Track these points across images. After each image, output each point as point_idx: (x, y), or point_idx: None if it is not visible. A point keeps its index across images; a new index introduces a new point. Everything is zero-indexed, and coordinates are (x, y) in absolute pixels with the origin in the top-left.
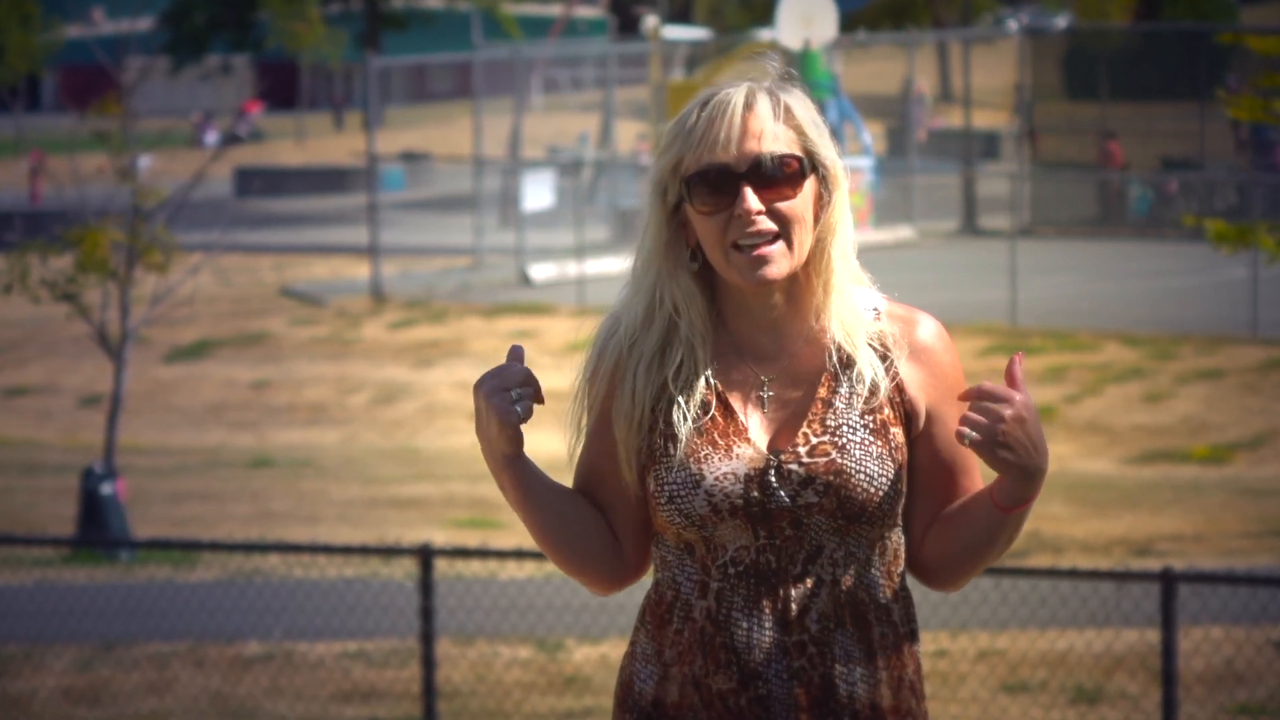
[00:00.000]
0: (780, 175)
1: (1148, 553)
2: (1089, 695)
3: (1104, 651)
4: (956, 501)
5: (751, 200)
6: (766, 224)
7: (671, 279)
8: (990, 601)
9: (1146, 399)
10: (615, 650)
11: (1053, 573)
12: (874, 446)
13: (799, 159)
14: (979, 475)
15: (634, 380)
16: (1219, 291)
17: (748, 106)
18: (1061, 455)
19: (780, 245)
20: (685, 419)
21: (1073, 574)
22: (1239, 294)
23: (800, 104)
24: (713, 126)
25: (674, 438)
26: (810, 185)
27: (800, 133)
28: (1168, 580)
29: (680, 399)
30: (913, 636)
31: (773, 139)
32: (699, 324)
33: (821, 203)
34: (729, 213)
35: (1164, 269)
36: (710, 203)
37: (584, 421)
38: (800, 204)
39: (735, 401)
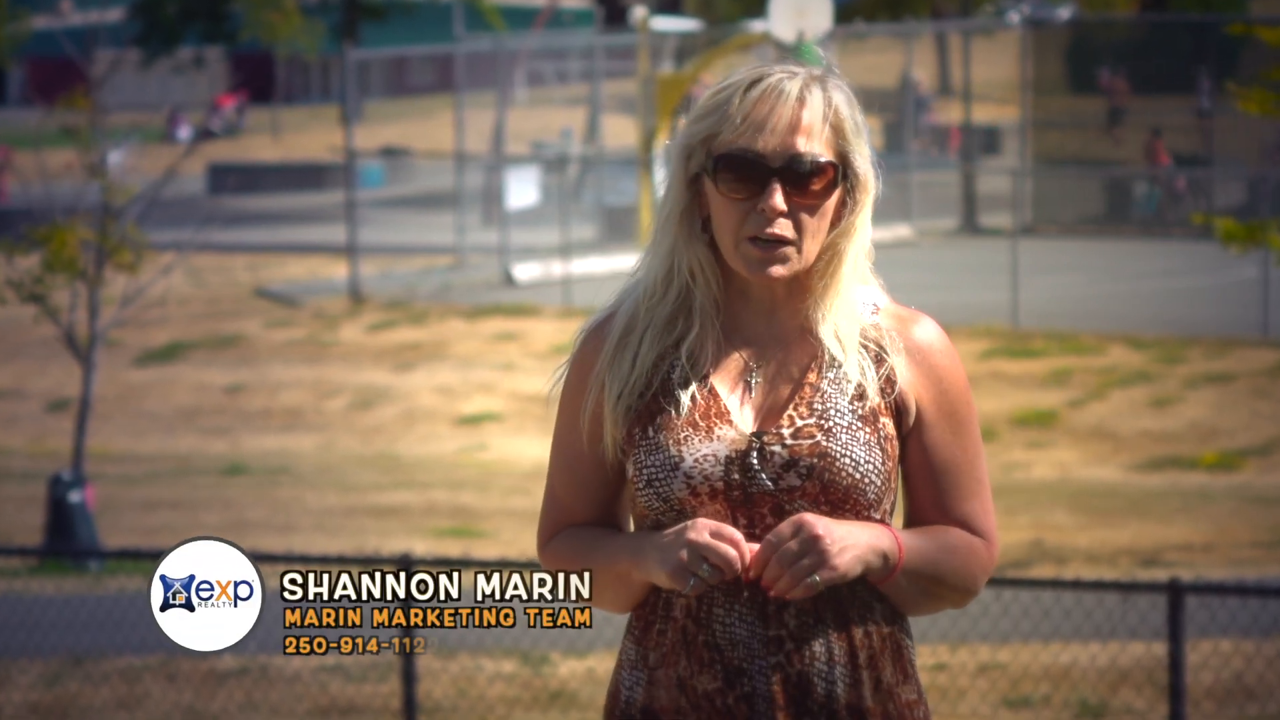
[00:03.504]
0: (812, 181)
1: (1154, 563)
2: (1093, 710)
3: (1109, 665)
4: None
5: (779, 199)
6: (786, 227)
7: (688, 246)
8: (991, 613)
9: (1153, 404)
10: (602, 664)
11: (1056, 584)
12: (861, 432)
13: (834, 167)
14: (971, 489)
15: (640, 343)
16: (1228, 292)
17: (800, 100)
18: (1065, 462)
19: (790, 249)
20: (671, 393)
21: (1077, 585)
22: (1249, 295)
23: (846, 103)
24: (758, 110)
25: (655, 418)
26: (837, 193)
27: (840, 134)
28: (1175, 591)
29: (675, 373)
30: (901, 638)
31: (816, 139)
32: (715, 293)
33: (845, 208)
34: (752, 204)
35: (1171, 269)
36: (736, 189)
37: (585, 398)
38: (823, 213)
39: (721, 384)
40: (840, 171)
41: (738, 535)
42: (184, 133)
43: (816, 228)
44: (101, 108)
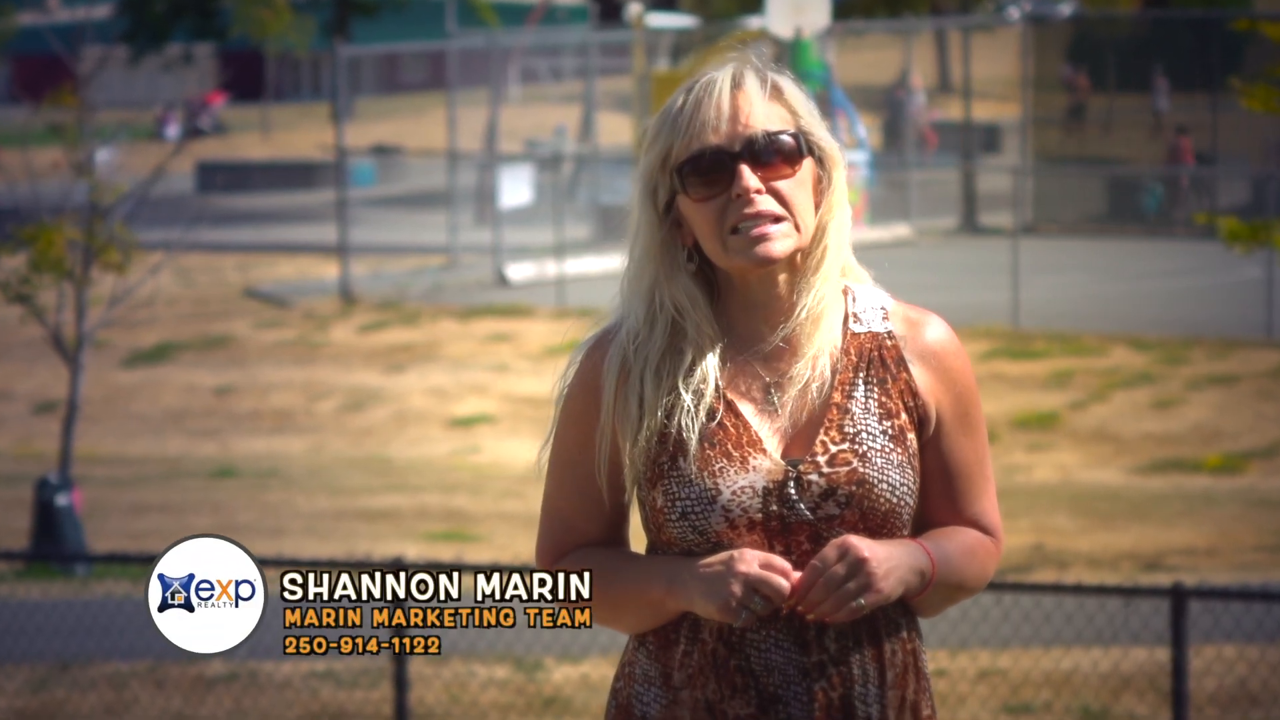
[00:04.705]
0: (777, 153)
1: (1157, 567)
2: (1095, 717)
3: (1111, 671)
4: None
5: (749, 178)
6: (767, 203)
7: (670, 281)
8: (991, 619)
9: (1155, 405)
10: (596, 670)
11: (1057, 588)
12: (894, 454)
13: (795, 135)
14: (982, 487)
15: (641, 386)
16: (1232, 293)
17: (735, 85)
18: (1066, 465)
19: (784, 225)
20: (694, 425)
21: (1078, 590)
22: (1253, 295)
23: (790, 84)
24: (700, 110)
25: (684, 449)
26: (809, 166)
27: (792, 112)
28: (1178, 596)
29: (691, 404)
30: (920, 652)
31: (765, 117)
32: (706, 325)
33: (821, 186)
34: (726, 196)
35: (1174, 269)
36: (705, 188)
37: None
38: (799, 183)
39: (745, 407)
40: (802, 141)
41: (786, 565)
42: (173, 130)
43: (802, 200)
44: (89, 105)
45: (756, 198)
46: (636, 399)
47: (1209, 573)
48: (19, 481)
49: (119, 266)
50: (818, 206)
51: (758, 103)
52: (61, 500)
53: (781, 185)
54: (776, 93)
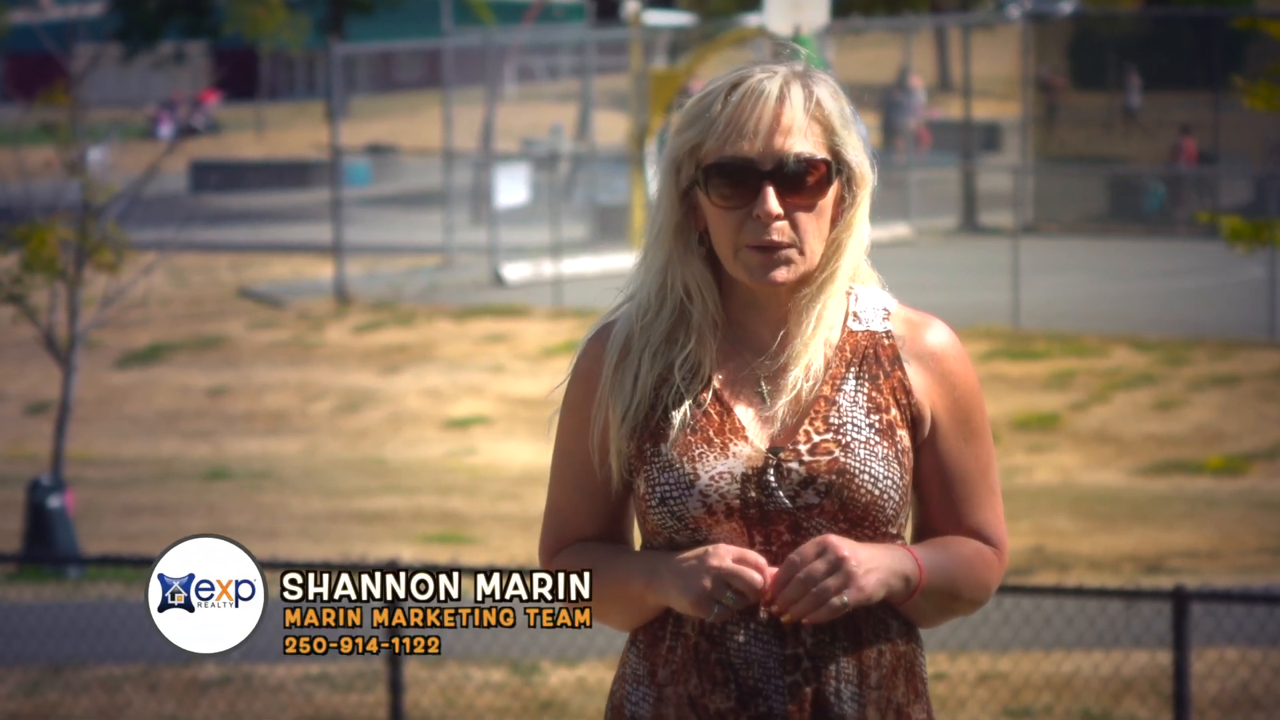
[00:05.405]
0: (805, 180)
1: (1159, 570)
2: None
3: (1112, 674)
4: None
5: (773, 203)
6: (783, 231)
7: (683, 263)
8: (992, 621)
9: (1157, 406)
10: (593, 673)
11: (1058, 591)
12: (879, 447)
13: (826, 163)
14: (984, 498)
15: (639, 363)
16: (1234, 292)
17: (780, 98)
18: (1067, 466)
19: (792, 252)
20: (680, 408)
21: (1079, 592)
22: (1255, 295)
23: (831, 97)
24: (740, 114)
25: (666, 434)
26: (834, 188)
27: (829, 129)
28: (1180, 599)
29: (681, 390)
30: (914, 655)
31: (802, 136)
32: (713, 311)
33: (843, 205)
34: (746, 210)
35: (1176, 269)
36: (728, 197)
37: (593, 421)
38: (820, 211)
39: (732, 397)
40: (833, 167)
41: (761, 560)
42: (166, 129)
43: (817, 227)
44: (81, 103)
45: (776, 223)
46: (632, 375)
47: (1211, 575)
48: (11, 483)
49: (112, 266)
50: (835, 223)
51: (798, 119)
52: (54, 502)
53: (802, 214)
54: (818, 107)
